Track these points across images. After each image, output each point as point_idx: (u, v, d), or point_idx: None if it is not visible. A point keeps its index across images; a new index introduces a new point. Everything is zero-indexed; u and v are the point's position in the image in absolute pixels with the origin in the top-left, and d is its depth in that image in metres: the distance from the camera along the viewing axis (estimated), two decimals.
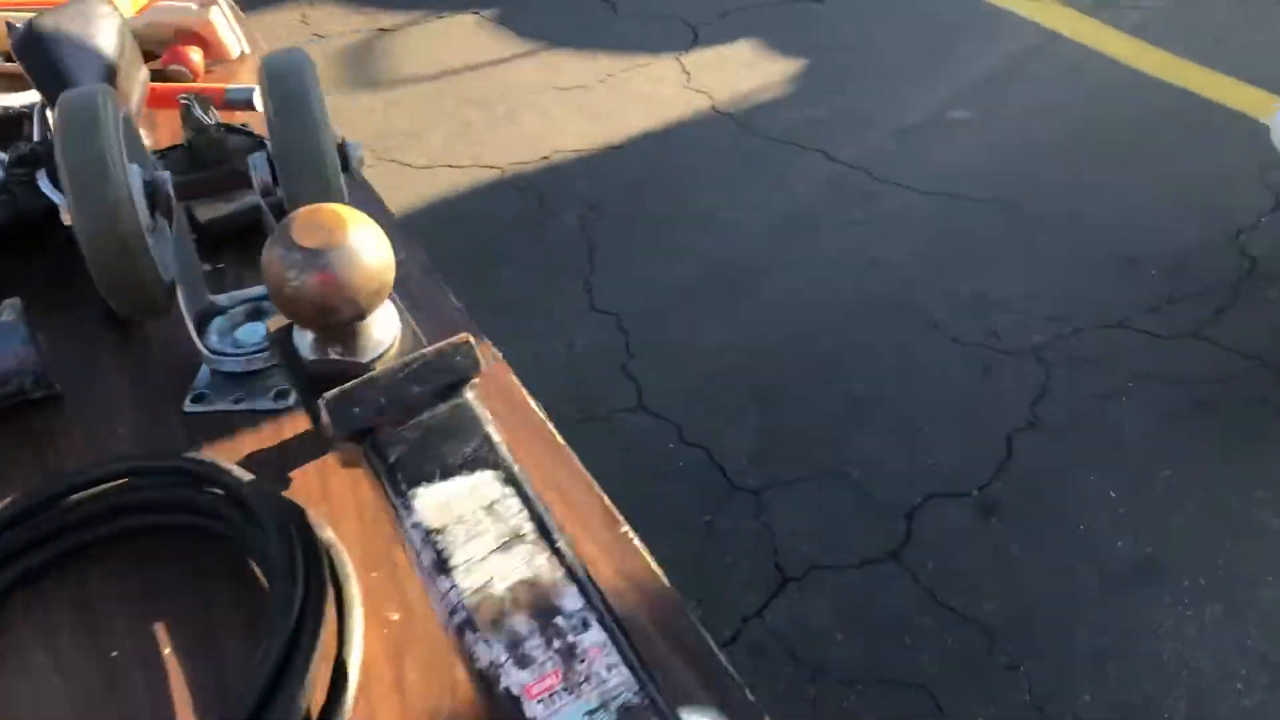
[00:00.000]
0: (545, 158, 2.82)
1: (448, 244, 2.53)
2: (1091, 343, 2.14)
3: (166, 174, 0.74)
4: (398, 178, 2.75)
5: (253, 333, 0.79)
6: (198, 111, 0.85)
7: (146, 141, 0.84)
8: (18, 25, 0.91)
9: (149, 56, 1.14)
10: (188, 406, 0.74)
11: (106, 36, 0.94)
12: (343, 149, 0.76)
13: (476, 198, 2.69)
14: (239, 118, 1.01)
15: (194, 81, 1.12)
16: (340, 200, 0.71)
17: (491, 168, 2.78)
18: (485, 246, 2.52)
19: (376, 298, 0.63)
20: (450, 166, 2.79)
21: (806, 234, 2.51)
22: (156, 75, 1.11)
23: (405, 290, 0.71)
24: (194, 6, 1.12)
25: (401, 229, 0.88)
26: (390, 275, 0.63)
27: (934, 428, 1.98)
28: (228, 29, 1.14)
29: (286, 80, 0.71)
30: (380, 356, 0.66)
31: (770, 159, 2.78)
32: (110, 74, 0.93)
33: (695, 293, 2.35)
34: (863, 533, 1.79)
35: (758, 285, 2.36)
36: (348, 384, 0.55)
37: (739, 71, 3.16)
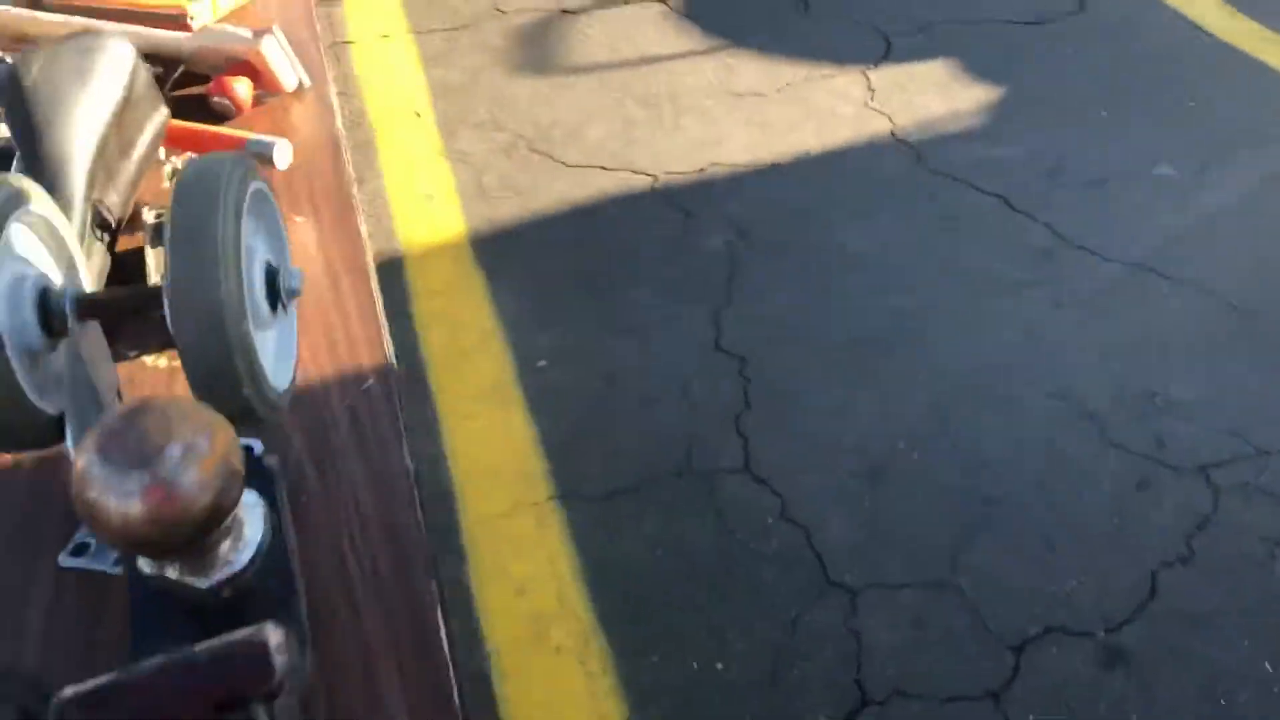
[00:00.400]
0: (701, 170, 2.66)
1: (582, 253, 2.41)
2: (1276, 473, 1.84)
3: (69, 289, 0.64)
4: (546, 174, 2.64)
5: None
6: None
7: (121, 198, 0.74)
8: (6, 60, 0.83)
9: (203, 80, 1.05)
10: (63, 560, 0.64)
11: (106, 80, 0.85)
12: (273, 282, 0.64)
13: (621, 205, 2.56)
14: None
15: (236, 116, 1.03)
16: (248, 362, 0.58)
17: (644, 174, 2.64)
18: (621, 261, 2.39)
19: (213, 521, 0.50)
20: (602, 169, 2.67)
21: (968, 291, 2.27)
22: (201, 107, 1.03)
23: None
24: (248, 34, 1.02)
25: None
26: (234, 493, 0.50)
27: (1068, 546, 1.74)
28: (282, 60, 1.04)
29: (191, 201, 0.59)
30: (233, 577, 0.54)
31: (944, 199, 2.54)
32: (101, 120, 0.83)
33: (832, 346, 2.15)
34: (963, 661, 1.59)
35: (902, 346, 2.14)
36: (87, 686, 0.42)
37: (927, 94, 2.90)
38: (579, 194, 2.59)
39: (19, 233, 0.64)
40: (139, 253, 0.83)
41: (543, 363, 2.15)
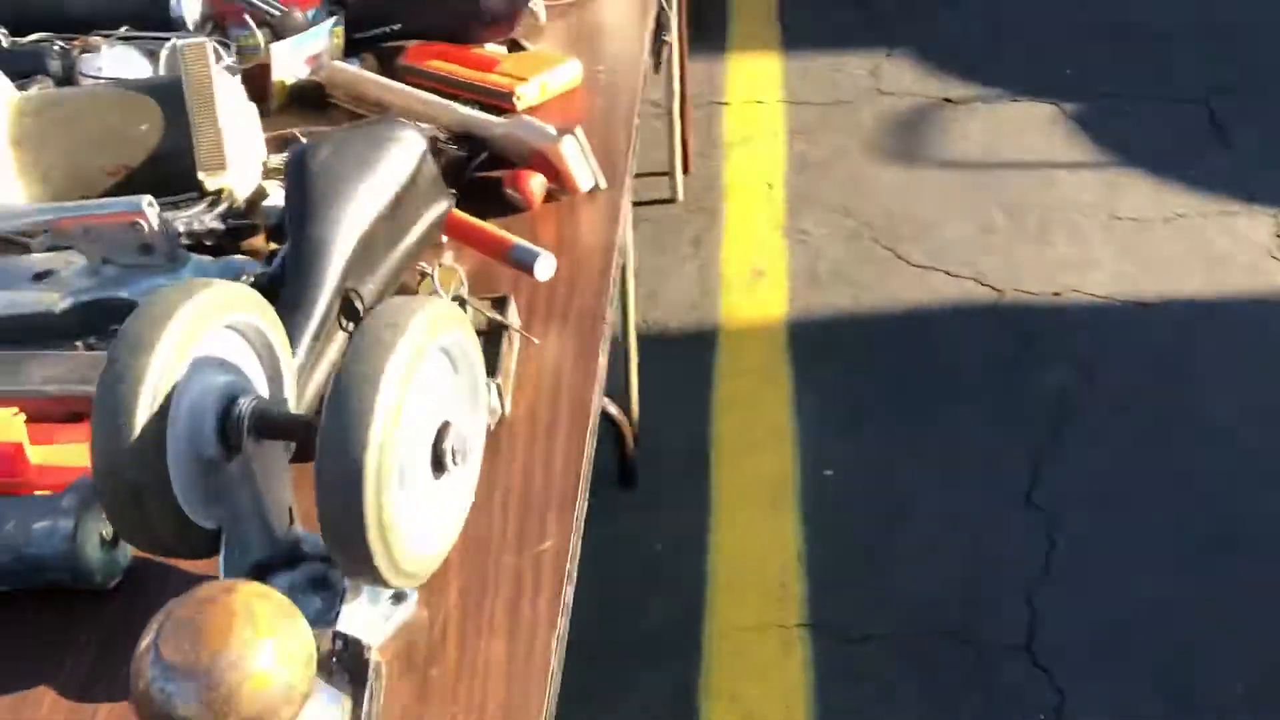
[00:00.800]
0: (1056, 293, 2.42)
1: (901, 360, 2.26)
2: None
3: (252, 401, 0.62)
4: (885, 269, 2.51)
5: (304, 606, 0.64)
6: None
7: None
8: (301, 140, 0.84)
9: (509, 164, 1.04)
10: None
11: (389, 169, 0.84)
12: (440, 443, 0.58)
13: (957, 317, 2.38)
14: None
15: (526, 210, 1.00)
16: (383, 538, 0.53)
17: (990, 287, 2.44)
18: (942, 376, 2.22)
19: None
20: (946, 273, 2.49)
21: None
22: (497, 194, 1.01)
23: None
24: (551, 131, 0.99)
25: None
26: (289, 708, 0.45)
27: None
28: (580, 161, 1.00)
29: (361, 354, 0.54)
30: None
31: None
32: (374, 208, 0.83)
33: (1167, 532, 1.87)
34: None
35: (1267, 553, 1.82)
36: None
37: None
38: (914, 296, 2.44)
39: (222, 338, 0.63)
40: None
41: (830, 471, 2.03)
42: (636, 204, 2.78)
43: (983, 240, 2.59)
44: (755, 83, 3.32)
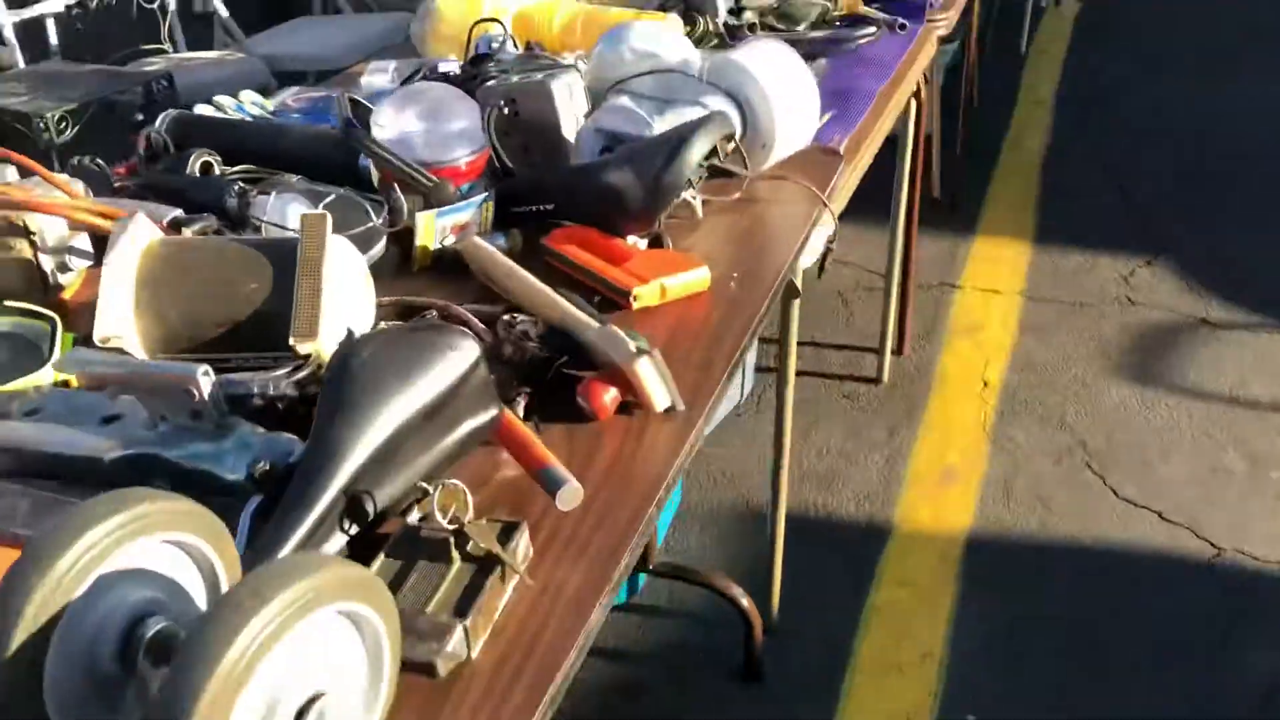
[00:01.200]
0: None
1: (1084, 605, 2.04)
2: None
3: (159, 624, 0.61)
4: (1089, 499, 2.30)
5: None
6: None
7: None
8: (353, 336, 0.85)
9: (599, 367, 1.02)
10: None
11: (433, 376, 0.84)
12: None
13: (1161, 569, 2.13)
14: None
15: (594, 420, 0.97)
16: None
17: (1207, 542, 2.18)
18: (1132, 636, 1.98)
19: None
20: (1159, 516, 2.25)
21: None
22: (557, 401, 0.99)
23: None
24: (631, 347, 0.97)
25: None
26: None
27: None
28: (656, 381, 0.97)
29: (217, 619, 0.52)
30: None
31: None
32: (404, 413, 0.82)
33: None
34: None
35: None
36: None
37: None
38: (1116, 534, 2.21)
39: (158, 550, 0.63)
40: None
41: (972, 717, 1.84)
42: (837, 378, 2.71)
43: (1210, 486, 2.33)
44: (996, 270, 3.19)
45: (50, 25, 3.06)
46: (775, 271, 1.25)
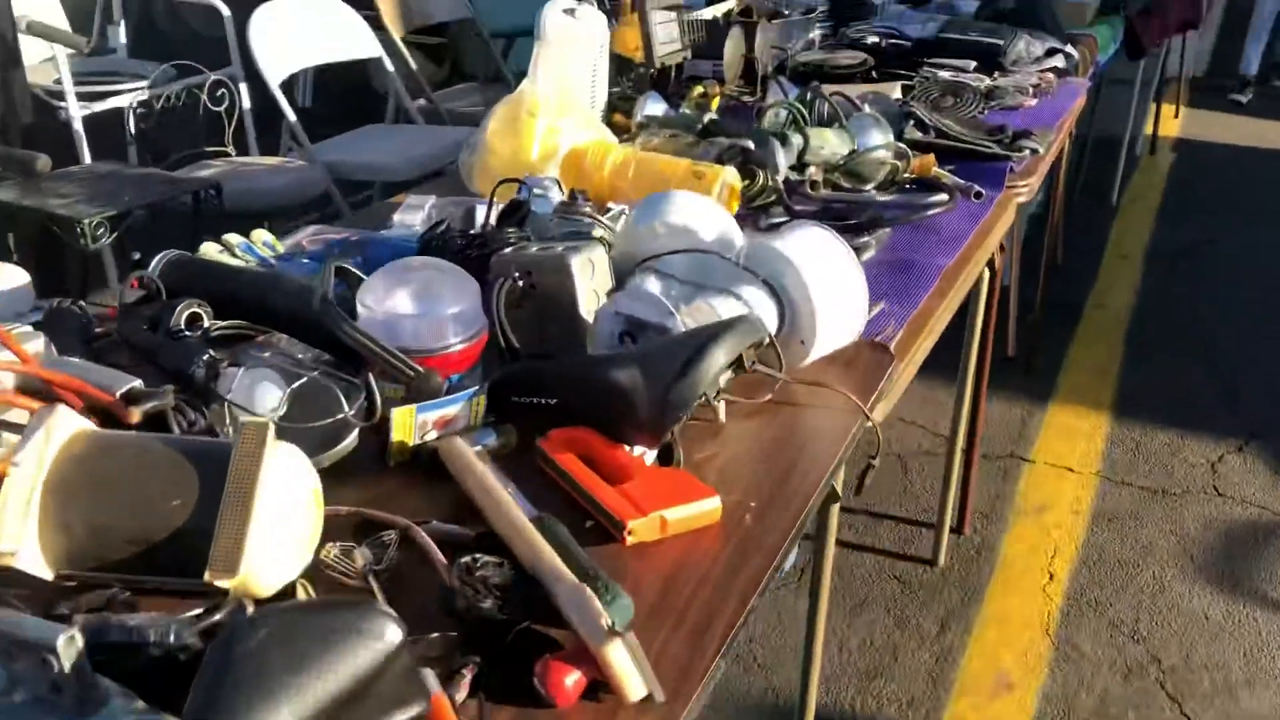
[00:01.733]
0: None
1: None
2: None
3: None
4: None
5: None
6: None
7: None
8: (245, 611, 0.69)
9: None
10: None
11: (339, 668, 0.68)
12: None
13: None
14: None
15: (551, 707, 0.80)
16: None
17: None
18: None
19: None
20: None
21: None
22: (515, 673, 0.81)
23: None
24: (603, 626, 0.79)
25: None
26: None
27: None
28: (630, 667, 0.79)
29: None
30: None
31: None
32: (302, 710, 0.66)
33: None
34: None
35: None
36: None
37: None
38: None
39: None
40: None
41: None
42: (889, 554, 2.50)
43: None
44: (1070, 444, 2.96)
45: (127, 118, 3.06)
46: (803, 499, 1.07)
